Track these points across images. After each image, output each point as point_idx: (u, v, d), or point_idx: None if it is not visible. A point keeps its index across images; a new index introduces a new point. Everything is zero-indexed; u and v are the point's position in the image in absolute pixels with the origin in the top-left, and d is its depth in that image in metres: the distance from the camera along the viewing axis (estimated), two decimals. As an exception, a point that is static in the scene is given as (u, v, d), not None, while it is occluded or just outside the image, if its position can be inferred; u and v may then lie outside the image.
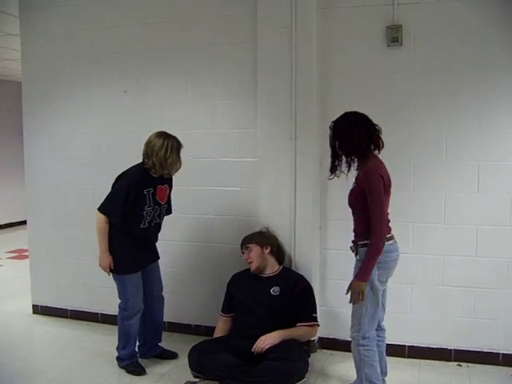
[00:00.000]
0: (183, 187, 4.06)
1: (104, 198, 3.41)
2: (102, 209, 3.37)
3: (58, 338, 4.21)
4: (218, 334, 3.56)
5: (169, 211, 3.65)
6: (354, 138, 2.78)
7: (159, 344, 3.76)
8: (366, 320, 2.81)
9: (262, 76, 3.68)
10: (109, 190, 3.45)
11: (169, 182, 3.56)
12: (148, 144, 3.36)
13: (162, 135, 3.37)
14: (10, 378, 3.47)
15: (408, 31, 3.49)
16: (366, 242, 2.78)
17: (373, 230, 2.72)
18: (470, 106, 3.45)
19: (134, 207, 3.33)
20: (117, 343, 3.58)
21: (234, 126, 3.93)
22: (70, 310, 4.59)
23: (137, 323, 3.53)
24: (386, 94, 3.59)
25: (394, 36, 3.49)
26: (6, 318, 4.65)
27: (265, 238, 3.51)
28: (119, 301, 3.52)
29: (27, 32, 4.52)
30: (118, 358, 3.58)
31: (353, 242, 2.91)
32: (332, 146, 2.88)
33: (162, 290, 3.72)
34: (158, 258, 3.69)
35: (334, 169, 2.89)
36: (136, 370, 3.51)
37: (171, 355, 3.74)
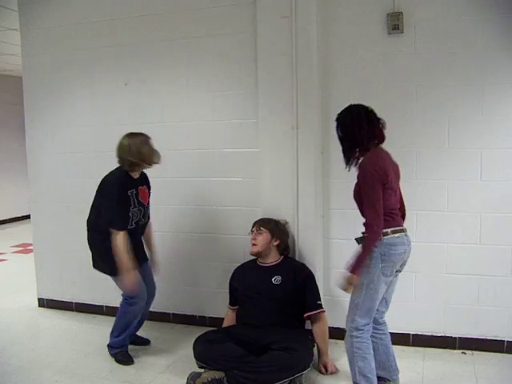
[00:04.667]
0: (185, 178, 4.09)
1: (109, 215, 3.36)
2: (116, 227, 3.33)
3: (64, 330, 4.23)
4: (225, 325, 3.59)
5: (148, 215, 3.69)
6: (356, 133, 2.76)
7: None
8: (361, 312, 2.77)
9: (262, 66, 3.66)
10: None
11: (147, 183, 3.64)
12: (118, 148, 3.44)
13: (128, 135, 3.46)
14: (18, 370, 3.50)
15: (409, 18, 3.46)
16: None
17: (366, 224, 2.70)
18: (472, 93, 3.43)
19: (124, 209, 3.39)
20: (111, 330, 3.62)
21: (235, 117, 3.93)
22: (75, 303, 4.62)
23: (139, 317, 3.59)
24: (388, 82, 3.57)
25: (395, 23, 3.46)
26: (12, 312, 4.68)
27: (279, 231, 3.50)
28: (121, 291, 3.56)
29: (26, 26, 4.51)
30: (109, 346, 3.64)
31: (362, 233, 2.85)
32: (338, 137, 2.86)
33: (154, 290, 3.78)
34: (147, 259, 3.74)
35: (348, 160, 2.83)
36: (124, 359, 3.56)
37: (144, 342, 3.85)
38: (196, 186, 4.09)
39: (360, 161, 2.79)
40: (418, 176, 3.57)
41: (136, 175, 3.49)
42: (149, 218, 3.67)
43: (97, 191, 3.50)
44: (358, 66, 3.62)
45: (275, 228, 3.49)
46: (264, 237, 3.45)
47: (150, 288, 3.68)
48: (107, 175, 3.49)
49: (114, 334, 3.62)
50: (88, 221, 3.57)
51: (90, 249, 3.58)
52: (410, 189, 3.51)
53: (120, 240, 3.32)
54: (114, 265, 3.40)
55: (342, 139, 2.85)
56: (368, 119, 2.78)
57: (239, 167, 3.95)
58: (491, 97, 3.41)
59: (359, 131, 2.76)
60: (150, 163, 3.48)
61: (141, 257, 3.64)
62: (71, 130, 4.46)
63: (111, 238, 3.33)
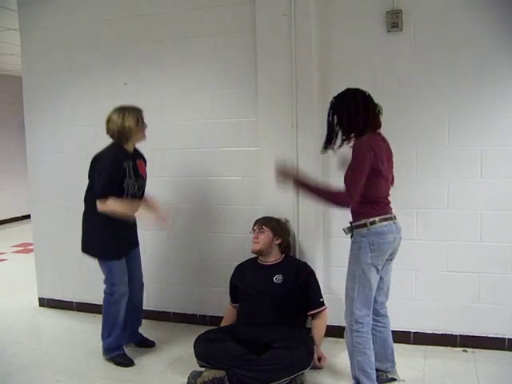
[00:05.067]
0: (185, 177, 4.09)
1: (95, 185, 3.39)
2: (101, 195, 3.33)
3: (65, 330, 4.24)
4: (225, 321, 3.62)
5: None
6: (352, 116, 2.73)
7: (139, 332, 3.81)
8: (357, 304, 2.77)
9: (261, 65, 3.66)
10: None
11: (143, 157, 3.61)
12: (107, 121, 3.44)
13: (119, 108, 3.45)
14: (19, 369, 3.50)
15: (408, 16, 3.45)
16: (359, 222, 2.76)
17: (343, 193, 2.67)
18: (472, 90, 3.43)
19: (117, 180, 3.37)
20: (101, 332, 3.57)
21: (234, 116, 3.92)
22: (76, 303, 4.62)
23: (123, 307, 3.54)
24: (387, 80, 3.57)
25: (394, 21, 3.46)
26: (13, 311, 4.69)
27: (281, 230, 3.51)
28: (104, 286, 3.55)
29: (26, 26, 4.51)
30: (104, 349, 3.57)
31: (350, 222, 2.87)
32: (329, 120, 2.83)
33: (142, 276, 3.76)
34: (138, 244, 3.72)
35: (328, 144, 2.82)
36: (124, 361, 3.51)
37: (149, 344, 3.80)
38: (196, 185, 4.09)
39: (354, 142, 2.76)
40: (418, 174, 3.56)
41: (130, 149, 3.47)
42: (143, 192, 3.61)
43: (90, 168, 3.47)
44: (357, 63, 3.62)
45: (277, 227, 3.50)
46: (266, 235, 3.44)
47: (136, 275, 3.67)
48: (101, 151, 3.46)
49: (104, 335, 3.57)
50: (85, 199, 3.56)
51: (82, 225, 3.56)
52: (410, 187, 3.52)
53: (106, 205, 3.30)
54: (99, 247, 3.47)
55: (333, 122, 2.81)
56: (364, 104, 2.76)
57: (239, 166, 3.95)
58: (491, 95, 3.40)
59: (356, 116, 2.73)
60: (131, 138, 3.43)
61: (132, 242, 3.65)
62: (71, 129, 4.46)
63: (100, 209, 3.33)
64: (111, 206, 3.32)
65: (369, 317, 2.81)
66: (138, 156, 3.56)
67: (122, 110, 3.42)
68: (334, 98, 2.85)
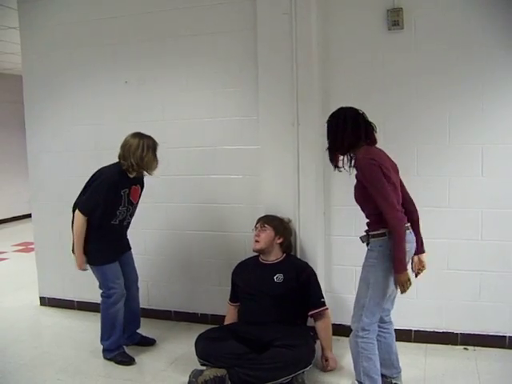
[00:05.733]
0: (186, 176, 4.08)
1: (82, 197, 3.43)
2: (82, 209, 3.38)
3: (66, 328, 4.24)
4: (227, 321, 3.60)
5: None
6: (338, 136, 2.75)
7: (138, 332, 3.80)
8: (367, 312, 2.74)
9: (262, 63, 3.66)
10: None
11: (141, 182, 3.61)
12: (124, 146, 3.40)
13: (137, 135, 3.41)
14: (21, 368, 3.50)
15: (409, 14, 3.45)
16: (376, 232, 2.72)
17: (387, 219, 2.63)
18: (473, 88, 3.42)
19: (111, 207, 3.39)
20: (100, 335, 3.58)
21: (235, 114, 3.92)
22: (77, 302, 4.63)
23: (122, 309, 3.54)
24: (388, 79, 3.56)
25: (395, 19, 3.45)
26: (14, 310, 4.69)
27: (283, 229, 3.50)
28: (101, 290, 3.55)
29: (26, 25, 4.51)
30: (104, 351, 3.57)
31: (365, 231, 2.84)
32: (327, 139, 2.86)
33: (137, 278, 3.76)
34: (130, 248, 3.72)
35: (332, 163, 2.85)
36: (124, 360, 3.51)
37: (150, 342, 3.80)
38: (197, 184, 4.09)
39: (355, 162, 2.76)
40: (419, 173, 3.56)
41: (133, 174, 3.46)
42: (132, 217, 3.62)
43: (90, 179, 3.47)
44: (358, 62, 3.61)
45: (279, 226, 3.49)
46: (268, 234, 3.44)
47: (131, 277, 3.67)
48: (104, 168, 3.46)
49: (103, 337, 3.57)
50: (74, 204, 3.52)
51: (72, 231, 3.52)
52: (411, 186, 3.47)
53: (81, 222, 3.36)
54: (90, 255, 3.44)
55: (328, 140, 2.84)
56: (354, 122, 2.75)
57: (240, 164, 3.95)
58: (491, 94, 3.40)
59: (341, 135, 2.74)
60: (147, 172, 3.47)
61: (122, 246, 3.64)
62: (72, 128, 4.46)
63: (75, 220, 3.39)
64: (79, 228, 3.37)
65: (375, 324, 2.80)
66: (136, 182, 3.54)
67: (141, 141, 3.37)
68: (329, 116, 2.86)
